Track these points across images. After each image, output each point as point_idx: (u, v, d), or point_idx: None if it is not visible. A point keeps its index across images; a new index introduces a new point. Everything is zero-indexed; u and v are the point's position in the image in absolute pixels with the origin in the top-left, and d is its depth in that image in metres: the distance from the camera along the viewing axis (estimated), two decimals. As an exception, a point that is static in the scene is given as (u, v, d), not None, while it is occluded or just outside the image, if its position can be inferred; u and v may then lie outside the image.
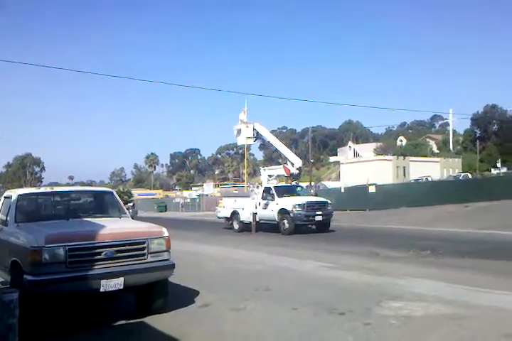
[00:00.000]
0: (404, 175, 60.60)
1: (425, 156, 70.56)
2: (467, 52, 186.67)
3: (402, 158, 63.99)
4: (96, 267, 6.07)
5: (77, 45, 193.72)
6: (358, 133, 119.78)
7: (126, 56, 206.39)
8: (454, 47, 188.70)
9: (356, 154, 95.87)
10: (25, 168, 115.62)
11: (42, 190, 8.45)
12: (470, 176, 49.75)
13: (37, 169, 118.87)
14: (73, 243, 5.97)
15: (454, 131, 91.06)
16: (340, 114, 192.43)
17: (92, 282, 5.96)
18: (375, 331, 5.77)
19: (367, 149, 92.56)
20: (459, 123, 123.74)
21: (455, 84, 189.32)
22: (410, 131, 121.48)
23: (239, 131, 27.65)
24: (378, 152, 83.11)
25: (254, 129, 27.18)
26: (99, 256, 6.12)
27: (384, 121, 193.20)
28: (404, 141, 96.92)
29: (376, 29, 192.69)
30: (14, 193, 7.72)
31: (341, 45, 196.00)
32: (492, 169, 59.33)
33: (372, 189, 32.66)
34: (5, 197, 8.05)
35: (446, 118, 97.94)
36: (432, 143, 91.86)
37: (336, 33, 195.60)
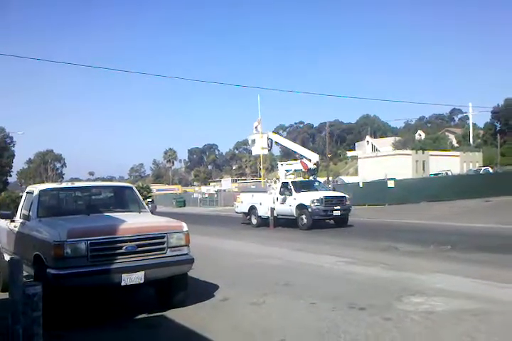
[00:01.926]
0: (424, 169, 59.92)
1: (445, 150, 69.69)
2: (486, 44, 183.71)
3: (421, 152, 63.26)
4: (117, 261, 6.14)
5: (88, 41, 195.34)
6: (375, 128, 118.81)
7: (137, 51, 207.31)
8: (473, 41, 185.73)
9: (374, 148, 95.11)
10: (47, 164, 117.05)
11: (63, 185, 8.55)
12: (491, 170, 49.01)
13: (58, 165, 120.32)
14: (94, 237, 6.04)
15: (474, 125, 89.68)
16: (358, 108, 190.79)
17: (113, 276, 6.03)
18: (395, 326, 5.74)
19: (385, 143, 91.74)
20: (478, 116, 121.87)
21: (474, 77, 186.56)
22: (429, 125, 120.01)
23: (253, 141, 27.70)
24: (397, 146, 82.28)
25: (268, 138, 27.24)
26: (119, 251, 6.19)
27: (402, 115, 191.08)
28: (423, 135, 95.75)
29: (393, 24, 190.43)
30: (36, 188, 7.82)
31: (359, 39, 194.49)
32: (513, 163, 58.33)
33: (391, 184, 32.37)
34: (27, 193, 8.17)
35: (465, 112, 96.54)
36: (452, 136, 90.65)
37: (352, 26, 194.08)
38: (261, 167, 32.68)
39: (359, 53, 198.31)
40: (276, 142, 28.27)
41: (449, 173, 48.38)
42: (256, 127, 27.76)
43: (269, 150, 29.37)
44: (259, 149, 27.63)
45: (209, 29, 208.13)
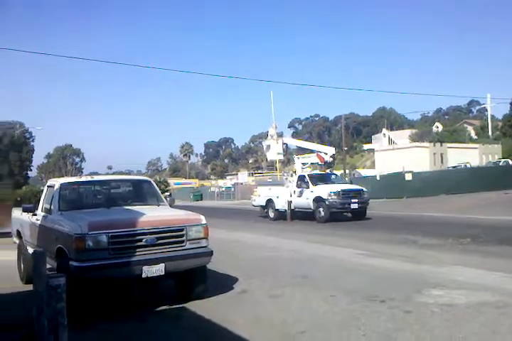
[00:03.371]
0: (442, 162, 59.30)
1: (463, 142, 68.82)
2: (502, 35, 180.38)
3: (439, 144, 62.58)
4: (137, 253, 6.21)
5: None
6: (392, 120, 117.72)
7: (148, 47, 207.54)
8: (489, 31, 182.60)
9: (391, 141, 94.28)
10: (66, 159, 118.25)
11: (83, 179, 8.65)
12: (510, 162, 48.28)
13: (77, 159, 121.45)
14: (115, 230, 6.11)
15: (493, 116, 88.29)
16: (374, 100, 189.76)
17: (134, 268, 6.10)
18: (416, 319, 5.71)
19: (402, 136, 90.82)
20: (497, 108, 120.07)
21: (492, 68, 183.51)
22: (446, 117, 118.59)
23: (268, 147, 27.88)
24: (414, 139, 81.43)
25: (283, 143, 27.42)
26: (140, 243, 6.26)
27: (419, 107, 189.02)
28: (441, 127, 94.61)
29: (409, 15, 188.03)
30: (57, 182, 7.92)
31: (374, 32, 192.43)
32: (533, 155, 57.36)
33: (408, 176, 32.11)
34: (48, 186, 8.27)
35: (483, 104, 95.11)
36: (470, 128, 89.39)
37: (367, 18, 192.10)
38: (277, 160, 32.76)
39: (375, 45, 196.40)
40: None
41: (468, 166, 47.80)
42: (272, 135, 27.87)
43: (284, 155, 29.57)
44: (274, 154, 27.77)
45: (223, 24, 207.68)
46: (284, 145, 27.70)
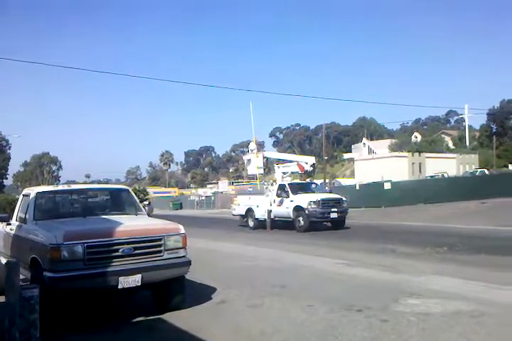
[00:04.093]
0: (420, 171, 60.05)
1: (441, 152, 69.89)
2: (482, 46, 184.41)
3: (417, 154, 63.43)
4: (114, 264, 6.12)
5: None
6: (372, 130, 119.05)
7: (130, 54, 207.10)
8: (469, 42, 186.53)
9: (371, 151, 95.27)
10: (43, 167, 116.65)
11: (60, 188, 8.53)
12: (487, 172, 49.14)
13: (54, 168, 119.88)
14: (91, 240, 6.03)
15: (470, 127, 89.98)
16: (354, 110, 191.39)
17: (110, 279, 6.01)
18: (392, 328, 5.74)
19: (381, 146, 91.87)
20: (474, 118, 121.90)
21: (470, 79, 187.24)
22: (425, 127, 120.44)
23: (249, 161, 28.07)
24: (393, 148, 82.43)
25: (264, 157, 27.67)
26: (116, 253, 6.17)
27: (398, 118, 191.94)
28: (419, 137, 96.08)
29: (388, 26, 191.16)
30: (32, 191, 7.79)
31: (354, 42, 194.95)
32: (509, 165, 58.57)
33: (387, 186, 32.42)
34: (23, 195, 8.14)
35: (461, 114, 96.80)
36: (448, 139, 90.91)
37: (347, 29, 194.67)
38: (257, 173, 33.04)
39: (355, 56, 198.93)
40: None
41: (445, 175, 48.49)
42: (252, 150, 28.08)
43: (264, 169, 29.77)
44: (254, 169, 27.93)
45: (206, 30, 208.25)
46: (265, 160, 27.96)
